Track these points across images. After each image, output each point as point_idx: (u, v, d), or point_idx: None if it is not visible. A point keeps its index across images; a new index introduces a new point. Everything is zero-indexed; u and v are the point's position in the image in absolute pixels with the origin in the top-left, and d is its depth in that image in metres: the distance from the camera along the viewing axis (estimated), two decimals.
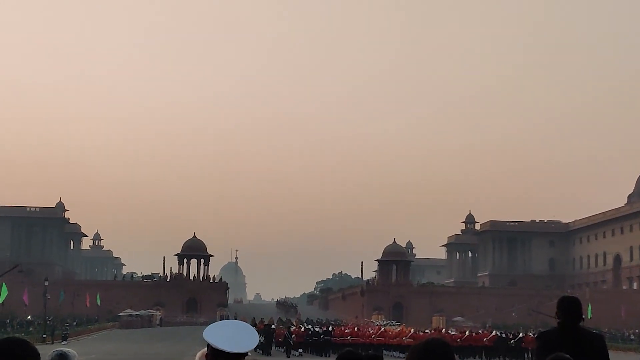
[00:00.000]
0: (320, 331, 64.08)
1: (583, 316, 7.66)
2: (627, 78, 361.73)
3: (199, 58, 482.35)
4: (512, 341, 62.59)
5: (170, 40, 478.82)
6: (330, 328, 66.85)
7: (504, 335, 64.37)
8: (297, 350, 60.88)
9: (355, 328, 67.52)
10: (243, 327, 4.94)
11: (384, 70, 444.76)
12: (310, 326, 71.03)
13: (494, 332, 67.35)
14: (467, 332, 65.45)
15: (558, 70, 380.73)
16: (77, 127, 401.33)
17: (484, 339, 62.66)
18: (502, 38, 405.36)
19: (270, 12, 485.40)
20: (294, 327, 66.95)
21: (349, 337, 61.73)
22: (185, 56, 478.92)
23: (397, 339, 62.10)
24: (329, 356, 57.92)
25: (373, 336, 63.12)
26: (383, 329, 68.15)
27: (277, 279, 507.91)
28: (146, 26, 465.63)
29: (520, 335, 64.83)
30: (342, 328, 68.99)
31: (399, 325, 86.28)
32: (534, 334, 65.94)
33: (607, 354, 7.55)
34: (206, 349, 4.97)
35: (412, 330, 65.57)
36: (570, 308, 7.54)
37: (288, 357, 58.75)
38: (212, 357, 4.84)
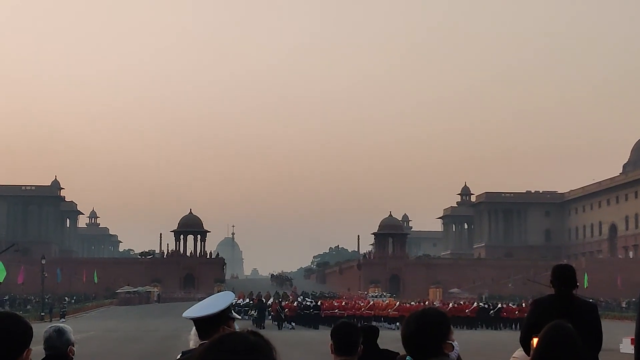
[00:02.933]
0: (311, 305, 65.67)
1: (577, 284, 7.72)
2: (619, 53, 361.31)
3: (195, 42, 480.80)
4: (491, 312, 65.93)
5: (168, 27, 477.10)
6: (319, 302, 68.40)
7: (485, 306, 68.09)
8: (290, 323, 62.37)
9: (343, 302, 69.71)
10: (215, 296, 5.00)
11: (380, 53, 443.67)
12: (304, 299, 73.08)
13: (475, 303, 70.79)
14: (450, 304, 69.17)
15: (551, 45, 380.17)
16: (72, 107, 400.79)
17: (466, 310, 65.70)
18: (495, 26, 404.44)
19: (275, 2, 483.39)
20: (286, 302, 68.99)
21: (336, 310, 63.68)
22: (182, 40, 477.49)
23: (385, 310, 64.34)
24: (318, 328, 59.65)
25: (363, 309, 65.04)
26: (372, 302, 70.40)
27: (273, 253, 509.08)
28: (146, 15, 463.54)
29: (499, 306, 68.51)
30: (331, 301, 71.27)
31: (387, 298, 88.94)
32: (514, 305, 70.31)
33: (600, 322, 7.60)
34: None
35: (398, 302, 68.78)
36: (564, 276, 7.60)
37: (279, 329, 59.90)
38: (198, 331, 4.91)
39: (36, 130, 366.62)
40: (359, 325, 8.48)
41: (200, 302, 5.06)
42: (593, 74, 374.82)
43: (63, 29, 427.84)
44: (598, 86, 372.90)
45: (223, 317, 4.82)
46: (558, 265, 7.80)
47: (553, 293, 7.62)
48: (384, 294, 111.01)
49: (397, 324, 57.90)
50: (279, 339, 47.79)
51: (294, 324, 62.71)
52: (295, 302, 68.44)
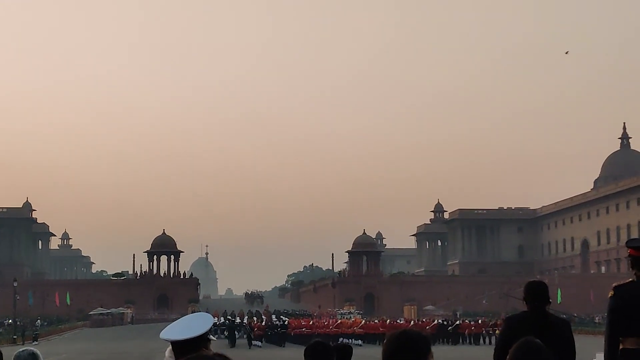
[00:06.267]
0: (279, 324, 68.33)
1: (550, 300, 7.76)
2: (591, 68, 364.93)
3: (167, 60, 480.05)
4: (450, 328, 70.24)
5: (142, 43, 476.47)
6: (286, 322, 70.54)
7: (444, 323, 72.67)
8: (259, 341, 64.24)
9: (311, 321, 72.45)
10: (193, 317, 5.01)
11: (353, 70, 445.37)
12: (277, 317, 75.93)
13: (435, 320, 75.55)
14: (412, 322, 73.82)
15: (522, 62, 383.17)
16: (43, 127, 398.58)
17: (427, 327, 69.52)
18: (468, 38, 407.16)
19: (253, 12, 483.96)
20: (255, 321, 72.02)
21: (304, 329, 66.42)
22: (154, 59, 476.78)
23: (351, 328, 67.48)
24: (285, 346, 61.86)
25: (330, 327, 67.87)
26: (340, 320, 73.56)
27: (248, 273, 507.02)
28: (117, 33, 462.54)
29: (457, 322, 73.36)
30: (299, 320, 74.27)
31: (354, 316, 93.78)
32: (469, 321, 75.09)
33: (573, 338, 7.64)
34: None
35: (363, 321, 72.87)
36: (537, 292, 7.62)
37: (249, 348, 61.52)
38: (175, 352, 4.91)
39: (7, 152, 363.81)
40: (332, 344, 8.50)
41: (176, 322, 5.05)
42: (564, 91, 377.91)
43: (32, 46, 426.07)
44: (569, 103, 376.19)
45: (203, 339, 4.85)
46: (531, 282, 7.83)
47: (526, 310, 7.64)
48: (351, 311, 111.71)
49: (360, 341, 62.31)
50: (247, 358, 47.91)
51: (259, 342, 64.11)
52: (264, 321, 71.50)
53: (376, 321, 75.05)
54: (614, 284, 7.63)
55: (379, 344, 52.56)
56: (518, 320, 7.59)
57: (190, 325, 4.91)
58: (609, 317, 7.59)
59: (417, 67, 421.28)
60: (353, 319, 75.77)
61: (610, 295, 7.52)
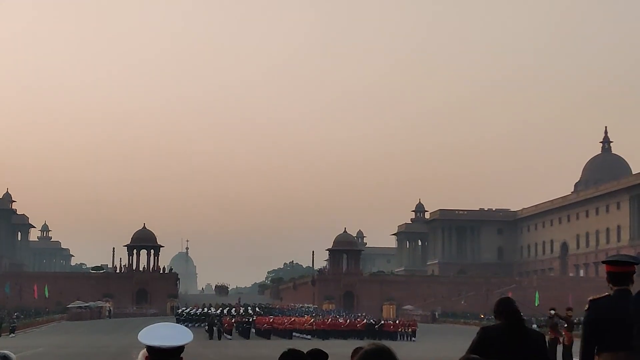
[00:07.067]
0: (246, 320, 79.16)
1: (524, 317, 7.79)
2: (574, 72, 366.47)
3: (151, 59, 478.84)
4: (376, 326, 78.73)
5: (128, 42, 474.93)
6: (251, 319, 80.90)
7: (372, 322, 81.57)
8: (229, 334, 72.66)
9: (271, 319, 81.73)
10: (175, 327, 5.07)
11: (334, 75, 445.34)
12: (242, 310, 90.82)
13: (365, 320, 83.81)
14: (347, 321, 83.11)
15: (504, 66, 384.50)
16: (24, 119, 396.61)
17: (358, 325, 79.09)
18: (447, 47, 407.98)
19: (255, 15, 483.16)
20: (225, 316, 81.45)
21: (264, 325, 76.91)
22: (138, 57, 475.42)
23: (305, 325, 77.53)
24: (250, 338, 72.35)
25: (286, 323, 77.69)
26: (294, 319, 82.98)
27: (228, 268, 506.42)
28: (104, 32, 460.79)
29: (382, 322, 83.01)
30: (264, 318, 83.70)
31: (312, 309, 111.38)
32: (394, 322, 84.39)
33: (547, 351, 7.69)
34: (145, 349, 5.06)
35: (313, 319, 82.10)
36: (511, 308, 7.59)
37: (219, 339, 68.89)
38: (152, 357, 4.92)
39: None
40: (312, 349, 8.49)
41: (157, 327, 5.05)
42: (546, 94, 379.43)
43: (14, 39, 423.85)
44: (551, 106, 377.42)
45: (182, 350, 4.92)
46: (502, 299, 7.77)
47: (501, 322, 7.58)
48: (308, 306, 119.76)
49: (310, 336, 72.85)
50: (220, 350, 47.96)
51: (230, 336, 72.35)
52: (237, 313, 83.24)
53: (328, 321, 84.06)
54: (589, 298, 7.70)
55: (328, 338, 69.58)
56: (493, 333, 7.55)
57: (176, 334, 4.96)
58: (584, 331, 7.65)
59: (397, 74, 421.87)
60: (305, 318, 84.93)
61: (585, 309, 7.59)
